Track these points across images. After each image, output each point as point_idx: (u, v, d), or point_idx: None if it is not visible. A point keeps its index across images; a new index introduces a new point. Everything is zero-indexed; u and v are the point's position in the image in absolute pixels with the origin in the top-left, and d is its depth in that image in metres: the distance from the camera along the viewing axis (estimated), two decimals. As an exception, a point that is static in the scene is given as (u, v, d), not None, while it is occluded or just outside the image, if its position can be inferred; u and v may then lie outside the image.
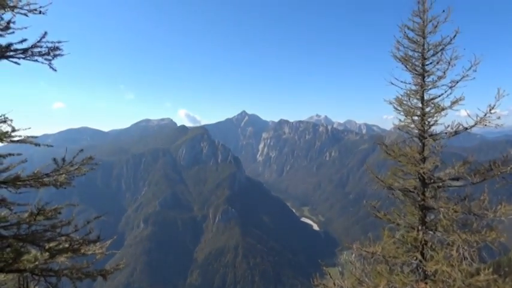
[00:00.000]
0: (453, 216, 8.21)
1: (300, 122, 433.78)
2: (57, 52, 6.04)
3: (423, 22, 9.73)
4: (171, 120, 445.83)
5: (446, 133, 9.24)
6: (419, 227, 9.03)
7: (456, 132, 9.07)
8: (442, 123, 9.41)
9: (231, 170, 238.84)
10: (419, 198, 9.25)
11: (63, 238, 6.47)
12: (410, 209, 9.29)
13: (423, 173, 8.93)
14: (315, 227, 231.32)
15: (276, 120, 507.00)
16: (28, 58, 6.00)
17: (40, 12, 6.11)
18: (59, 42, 6.10)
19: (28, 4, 6.12)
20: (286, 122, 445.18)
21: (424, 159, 9.29)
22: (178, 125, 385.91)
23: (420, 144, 9.55)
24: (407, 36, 9.92)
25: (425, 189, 9.25)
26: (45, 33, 6.07)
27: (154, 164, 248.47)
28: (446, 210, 8.29)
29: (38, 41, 6.03)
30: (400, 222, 9.29)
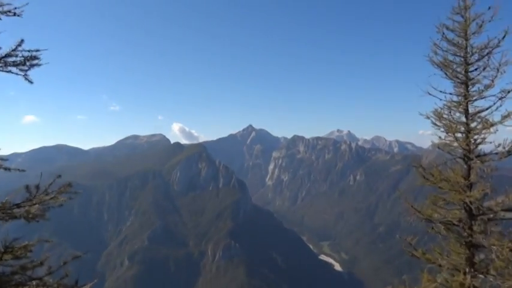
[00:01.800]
0: (508, 256, 7.81)
1: (318, 138, 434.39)
2: (35, 62, 5.93)
3: (465, 21, 9.47)
4: (164, 136, 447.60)
5: (497, 153, 8.87)
6: (467, 270, 8.62)
7: (509, 153, 8.70)
8: (492, 141, 9.04)
9: (234, 196, 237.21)
10: (465, 234, 8.90)
11: (35, 283, 6.25)
12: (455, 246, 8.91)
13: (470, 202, 8.61)
14: (337, 266, 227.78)
15: (289, 136, 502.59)
16: (0, 69, 5.91)
17: (15, 14, 6.06)
18: (36, 50, 5.97)
19: (1, 5, 6.09)
20: (301, 138, 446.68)
21: (470, 186, 8.96)
22: (172, 142, 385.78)
23: (465, 166, 9.21)
24: (446, 37, 9.62)
25: (473, 222, 8.90)
26: (22, 40, 6.02)
27: (143, 190, 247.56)
28: (499, 249, 7.92)
29: (13, 50, 5.93)
30: (443, 263, 8.87)
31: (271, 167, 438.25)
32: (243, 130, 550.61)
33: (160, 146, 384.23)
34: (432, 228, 9.13)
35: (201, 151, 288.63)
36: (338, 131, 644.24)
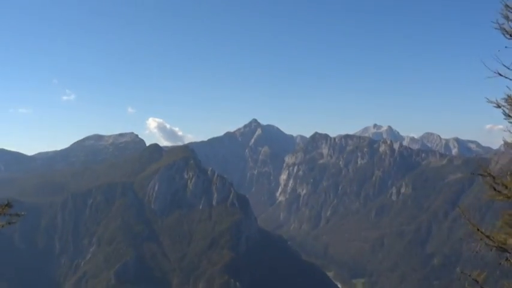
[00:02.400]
0: None
1: (348, 137, 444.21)
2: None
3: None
4: (136, 136, 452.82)
5: None
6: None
7: None
8: None
9: (233, 217, 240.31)
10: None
11: None
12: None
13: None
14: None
15: (308, 134, 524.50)
16: None
17: None
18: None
19: None
20: (325, 137, 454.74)
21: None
22: (148, 143, 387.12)
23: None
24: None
25: None
26: None
27: (108, 209, 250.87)
28: None
29: None
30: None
31: (283, 176, 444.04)
32: (245, 127, 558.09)
33: (132, 149, 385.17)
34: (507, 259, 8.92)
35: (187, 156, 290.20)
36: (375, 126, 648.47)
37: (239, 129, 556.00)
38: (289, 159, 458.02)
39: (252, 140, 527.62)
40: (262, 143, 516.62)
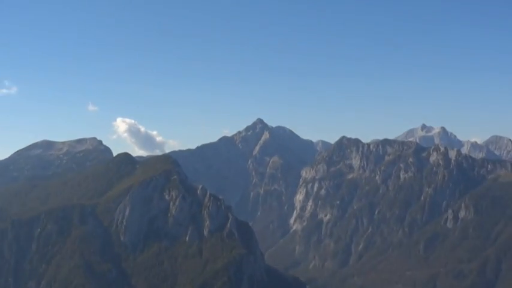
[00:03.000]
0: None
1: (387, 142, 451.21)
2: None
3: None
4: (100, 142, 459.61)
5: None
6: None
7: None
8: None
9: (232, 252, 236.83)
10: None
11: None
12: None
13: None
14: None
15: (332, 139, 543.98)
16: None
17: None
18: None
19: None
20: (355, 143, 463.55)
21: None
22: (116, 152, 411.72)
23: None
24: None
25: None
26: None
27: (62, 241, 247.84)
28: None
29: None
30: None
31: (299, 196, 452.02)
32: (247, 129, 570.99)
33: (94, 160, 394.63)
34: None
35: (169, 169, 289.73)
36: (424, 128, 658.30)
37: (239, 132, 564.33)
38: (307, 173, 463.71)
39: (257, 148, 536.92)
40: (270, 151, 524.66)
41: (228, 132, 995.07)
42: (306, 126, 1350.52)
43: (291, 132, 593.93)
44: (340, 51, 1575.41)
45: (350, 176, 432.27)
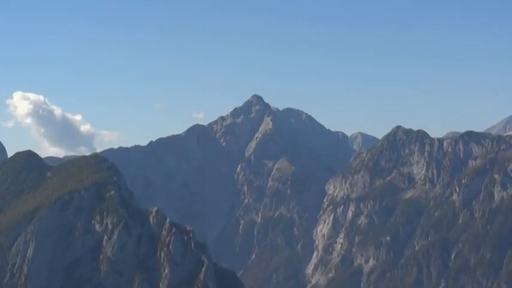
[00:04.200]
0: None
1: (472, 136, 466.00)
2: None
3: None
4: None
5: None
6: None
7: None
8: None
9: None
10: None
11: None
12: None
13: None
14: None
15: (378, 133, 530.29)
16: None
17: None
18: None
19: None
20: (419, 137, 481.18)
21: None
22: (12, 150, 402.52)
23: None
24: None
25: None
26: None
27: None
28: None
29: None
30: None
31: (323, 228, 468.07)
32: (235, 114, 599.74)
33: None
34: None
35: (102, 180, 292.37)
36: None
37: (222, 119, 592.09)
38: (335, 188, 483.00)
39: (252, 144, 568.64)
40: (274, 150, 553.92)
41: (203, 118, 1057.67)
42: (334, 111, 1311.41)
43: (310, 119, 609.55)
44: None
45: (409, 194, 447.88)
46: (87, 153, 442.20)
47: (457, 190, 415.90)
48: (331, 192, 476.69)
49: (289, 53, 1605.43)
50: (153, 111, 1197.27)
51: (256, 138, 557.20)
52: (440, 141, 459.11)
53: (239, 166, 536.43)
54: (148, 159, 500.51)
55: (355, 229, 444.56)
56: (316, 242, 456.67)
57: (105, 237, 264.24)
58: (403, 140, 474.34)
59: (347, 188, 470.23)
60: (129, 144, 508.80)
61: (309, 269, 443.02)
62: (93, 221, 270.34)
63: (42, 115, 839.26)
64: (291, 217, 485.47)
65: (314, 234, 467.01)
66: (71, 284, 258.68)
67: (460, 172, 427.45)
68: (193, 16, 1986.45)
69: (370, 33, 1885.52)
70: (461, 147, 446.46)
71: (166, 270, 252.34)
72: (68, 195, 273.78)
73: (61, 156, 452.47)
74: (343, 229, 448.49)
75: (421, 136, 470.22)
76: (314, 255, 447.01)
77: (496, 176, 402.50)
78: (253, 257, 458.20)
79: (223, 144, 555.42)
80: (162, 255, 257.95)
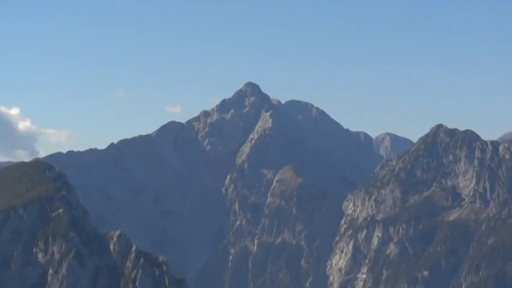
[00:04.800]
0: None
1: None
2: None
3: None
4: None
5: None
6: None
7: None
8: None
9: None
10: None
11: None
12: None
13: None
14: None
15: (412, 134, 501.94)
16: None
17: None
18: None
19: None
20: (468, 138, 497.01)
21: None
22: None
23: None
24: None
25: None
26: None
27: None
28: None
29: None
30: None
31: (341, 259, 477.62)
32: (223, 107, 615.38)
33: None
34: None
35: (48, 195, 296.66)
36: None
37: (205, 114, 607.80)
38: (356, 206, 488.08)
39: (246, 148, 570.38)
40: (275, 155, 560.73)
41: (180, 112, 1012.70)
42: (354, 105, 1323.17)
43: (322, 114, 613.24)
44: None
45: (453, 215, 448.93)
46: (27, 159, 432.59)
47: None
48: (350, 211, 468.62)
49: (293, 29, 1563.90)
50: (113, 104, 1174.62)
51: (251, 140, 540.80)
52: (495, 144, 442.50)
53: (228, 177, 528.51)
54: (108, 168, 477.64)
55: (382, 261, 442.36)
56: (331, 277, 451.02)
57: (51, 271, 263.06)
58: (445, 143, 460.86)
59: (371, 207, 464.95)
60: (82, 147, 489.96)
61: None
62: (35, 249, 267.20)
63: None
64: (297, 245, 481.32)
65: (328, 267, 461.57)
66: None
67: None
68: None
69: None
70: None
71: None
72: (2, 214, 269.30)
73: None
74: (367, 261, 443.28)
75: (469, 138, 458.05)
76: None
77: None
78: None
79: (208, 147, 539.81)
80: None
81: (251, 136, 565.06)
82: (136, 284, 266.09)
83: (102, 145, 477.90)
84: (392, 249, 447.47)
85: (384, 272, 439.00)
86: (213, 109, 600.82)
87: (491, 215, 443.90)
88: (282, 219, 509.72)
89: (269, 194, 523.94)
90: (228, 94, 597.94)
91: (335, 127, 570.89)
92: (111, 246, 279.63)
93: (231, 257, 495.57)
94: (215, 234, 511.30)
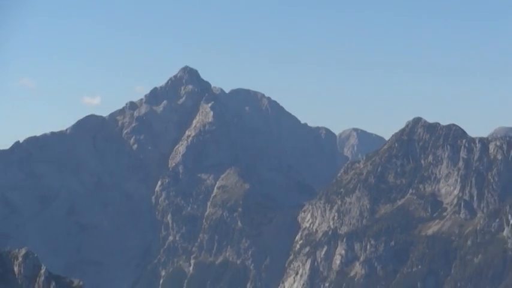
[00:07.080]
0: None
1: None
2: None
3: None
4: None
5: None
6: None
7: None
8: None
9: None
10: None
11: None
12: None
13: None
14: None
15: (379, 130, 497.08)
16: None
17: None
18: None
19: None
20: (451, 135, 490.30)
21: None
22: None
23: None
24: None
25: None
26: None
27: None
28: None
29: None
30: None
31: (294, 282, 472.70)
32: (152, 98, 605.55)
33: None
34: None
35: None
36: None
37: (131, 106, 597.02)
38: (313, 216, 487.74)
39: (180, 148, 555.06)
40: (215, 155, 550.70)
41: (100, 104, 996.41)
42: (313, 97, 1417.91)
43: (274, 106, 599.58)
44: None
45: (433, 228, 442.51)
46: None
47: (511, 221, 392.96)
48: (307, 224, 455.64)
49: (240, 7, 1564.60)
50: (18, 94, 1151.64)
51: (188, 137, 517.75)
52: (485, 142, 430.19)
53: (159, 183, 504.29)
54: (12, 171, 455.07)
55: (345, 284, 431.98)
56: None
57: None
58: (424, 141, 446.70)
59: (333, 219, 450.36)
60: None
61: None
62: None
63: None
64: (242, 265, 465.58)
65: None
66: None
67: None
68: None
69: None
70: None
71: None
72: None
73: None
74: (327, 284, 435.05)
75: (453, 134, 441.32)
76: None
77: None
78: None
79: (134, 147, 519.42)
80: None
81: (187, 133, 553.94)
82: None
83: (4, 144, 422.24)
84: (358, 269, 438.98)
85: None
86: (140, 100, 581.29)
87: (478, 228, 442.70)
88: (224, 234, 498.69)
89: (209, 204, 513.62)
90: (160, 82, 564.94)
91: (290, 122, 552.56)
92: (15, 268, 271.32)
93: (161, 281, 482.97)
94: (142, 253, 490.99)
